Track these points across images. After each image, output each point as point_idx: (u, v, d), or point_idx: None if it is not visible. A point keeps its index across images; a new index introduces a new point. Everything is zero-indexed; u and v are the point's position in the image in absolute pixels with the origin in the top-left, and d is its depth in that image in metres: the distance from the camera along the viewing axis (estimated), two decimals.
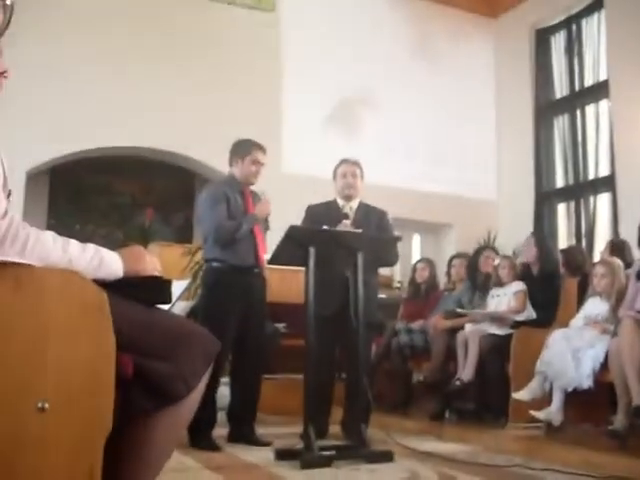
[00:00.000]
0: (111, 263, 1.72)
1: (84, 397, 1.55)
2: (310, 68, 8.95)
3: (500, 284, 5.58)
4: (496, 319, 5.34)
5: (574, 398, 4.53)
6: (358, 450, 4.00)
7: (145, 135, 8.14)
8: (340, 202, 4.93)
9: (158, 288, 1.80)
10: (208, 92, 8.34)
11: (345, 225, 4.64)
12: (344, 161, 5.02)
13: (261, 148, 4.71)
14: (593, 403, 4.69)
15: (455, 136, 9.76)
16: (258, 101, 8.53)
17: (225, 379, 4.80)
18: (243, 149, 4.69)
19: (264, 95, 8.66)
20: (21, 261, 1.54)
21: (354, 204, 4.93)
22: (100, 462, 1.56)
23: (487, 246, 6.24)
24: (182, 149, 8.46)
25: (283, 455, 3.94)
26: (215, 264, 4.58)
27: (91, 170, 9.76)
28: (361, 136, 8.89)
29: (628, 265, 4.99)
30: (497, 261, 5.77)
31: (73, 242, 1.67)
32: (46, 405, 1.50)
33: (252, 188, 4.76)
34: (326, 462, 3.76)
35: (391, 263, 5.05)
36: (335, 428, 4.81)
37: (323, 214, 4.81)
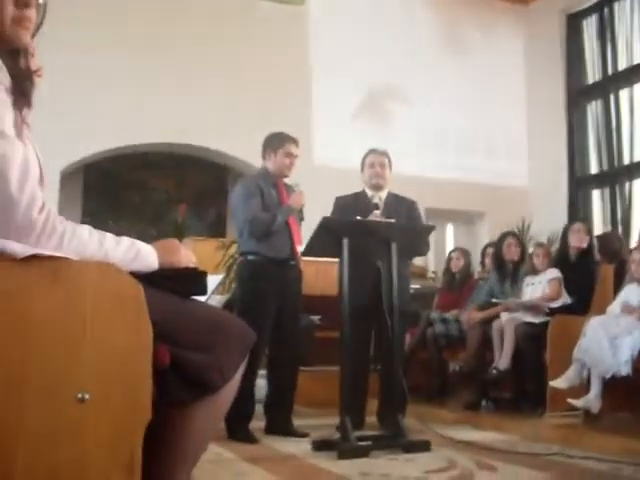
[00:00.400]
0: (146, 255, 1.74)
1: (122, 387, 1.56)
2: (340, 61, 8.95)
3: (535, 272, 5.54)
4: (531, 308, 5.30)
5: (612, 385, 4.48)
6: (395, 440, 3.99)
7: (177, 131, 8.20)
8: (369, 192, 4.90)
9: (193, 279, 1.81)
10: (239, 87, 8.39)
11: (376, 215, 4.60)
12: (372, 151, 4.99)
13: (294, 141, 4.71)
14: (631, 390, 4.64)
15: (486, 124, 9.71)
16: (289, 94, 8.56)
17: (262, 371, 4.82)
18: (276, 142, 4.69)
19: (295, 88, 8.68)
20: (58, 254, 1.56)
21: (383, 194, 4.89)
22: (140, 452, 1.58)
23: (508, 233, 6.11)
24: (214, 144, 8.52)
25: (320, 446, 3.95)
26: (250, 257, 4.59)
27: (124, 167, 9.86)
28: (392, 127, 8.88)
29: None
30: (531, 249, 5.72)
31: (109, 235, 1.69)
32: (86, 396, 1.51)
33: (285, 181, 4.76)
34: (363, 452, 3.76)
35: (423, 253, 5.01)
36: (371, 419, 4.81)
37: (352, 205, 4.79)
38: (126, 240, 1.72)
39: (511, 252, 5.89)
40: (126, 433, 1.57)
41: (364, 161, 4.98)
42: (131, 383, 1.58)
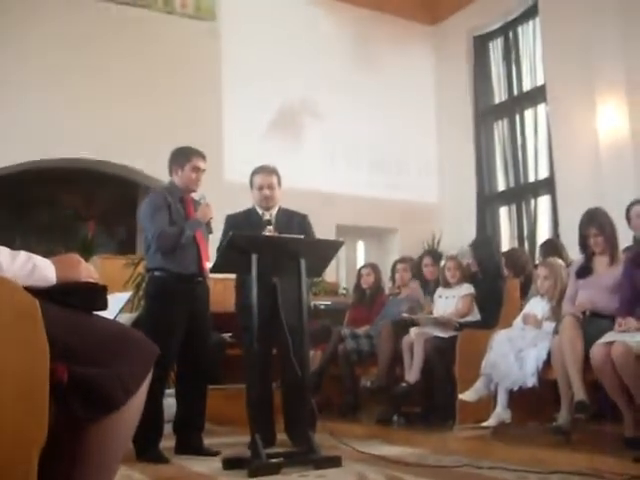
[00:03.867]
0: (44, 270, 1.69)
1: (16, 407, 1.50)
2: (251, 76, 8.95)
3: (447, 284, 5.61)
4: (441, 323, 5.37)
5: (519, 397, 4.57)
6: (306, 456, 3.98)
7: (86, 146, 8.04)
8: (259, 210, 4.88)
9: (93, 294, 1.77)
10: (148, 101, 8.29)
11: (269, 231, 4.60)
12: (260, 169, 4.91)
13: (201, 155, 4.68)
14: (538, 401, 4.74)
15: (397, 142, 9.85)
16: (199, 110, 8.51)
17: (170, 390, 4.74)
18: (182, 157, 4.66)
19: (205, 103, 8.64)
20: None
21: (274, 211, 4.86)
22: (34, 472, 1.52)
23: (427, 252, 6.27)
24: (123, 159, 8.39)
25: (231, 464, 3.91)
26: (157, 273, 4.53)
27: (32, 182, 9.60)
28: (304, 143, 8.91)
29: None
30: (442, 261, 5.81)
31: (3, 250, 1.64)
32: None
33: (192, 195, 4.72)
34: (274, 469, 3.73)
35: (320, 272, 4.97)
36: (283, 436, 4.79)
37: (244, 222, 4.77)
38: (23, 254, 1.67)
39: (428, 272, 6.05)
40: (20, 455, 1.50)
41: (252, 180, 4.91)
42: (26, 401, 1.51)
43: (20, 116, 7.62)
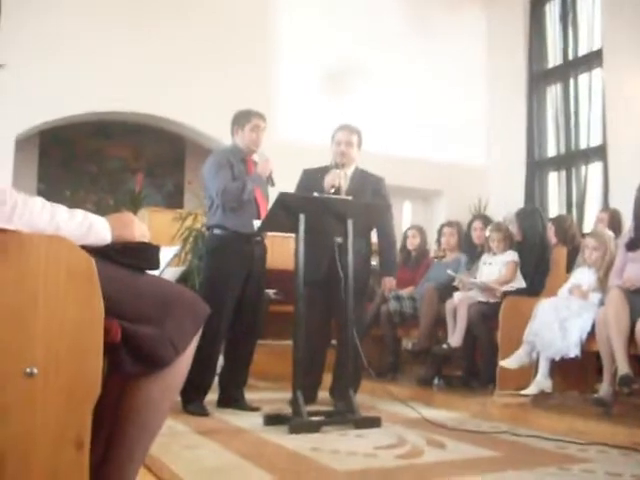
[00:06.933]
0: (99, 229, 1.73)
1: (72, 362, 1.55)
2: (302, 36, 8.88)
3: (493, 251, 5.59)
4: (486, 289, 5.36)
5: (561, 366, 4.57)
6: (346, 416, 4.04)
7: (136, 100, 8.07)
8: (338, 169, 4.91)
9: (146, 254, 1.80)
10: (200, 59, 8.28)
11: (334, 173, 4.68)
12: (341, 128, 4.97)
13: (260, 115, 4.73)
14: (580, 371, 4.74)
15: (447, 104, 9.70)
16: (250, 68, 8.48)
17: None
18: (243, 118, 4.71)
19: (256, 63, 8.61)
20: (8, 227, 1.54)
21: (349, 170, 4.91)
22: (89, 427, 1.57)
23: (477, 216, 6.24)
24: (173, 115, 8.41)
25: (272, 420, 3.97)
26: (217, 231, 4.59)
27: (81, 135, 9.74)
28: (352, 104, 8.83)
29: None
30: (487, 232, 5.77)
31: (61, 208, 1.67)
32: (34, 370, 1.50)
33: (253, 157, 4.76)
34: (314, 427, 3.80)
35: (387, 231, 5.01)
36: (325, 394, 4.85)
37: (318, 179, 4.80)
38: (79, 213, 1.70)
39: (477, 236, 6.03)
40: (75, 408, 1.56)
41: (333, 137, 4.97)
42: (81, 358, 1.57)
43: (71, 68, 7.67)
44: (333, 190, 4.64)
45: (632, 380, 3.91)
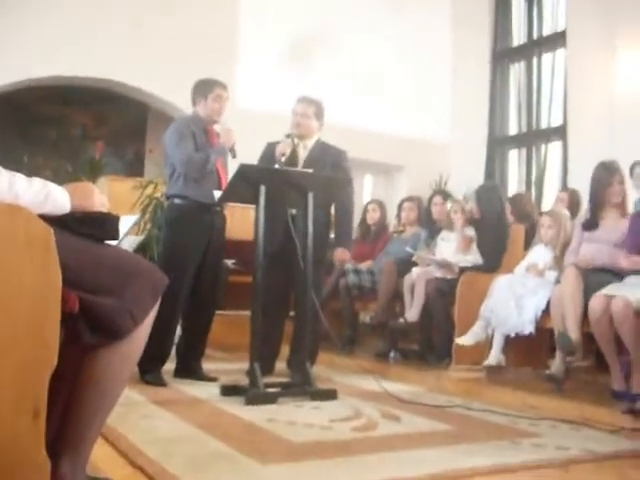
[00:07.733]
0: (58, 198, 1.71)
1: (29, 332, 1.54)
2: (267, 4, 8.77)
3: (451, 228, 5.64)
4: (444, 266, 5.40)
5: (515, 342, 4.65)
6: (303, 388, 4.06)
7: (98, 65, 7.93)
8: (296, 140, 4.90)
9: (106, 224, 1.80)
10: (163, 26, 8.14)
11: (284, 142, 4.68)
12: (299, 100, 4.95)
13: (223, 86, 4.68)
14: (533, 347, 4.82)
15: (411, 79, 9.69)
16: (213, 36, 8.37)
17: None
18: (205, 87, 4.66)
19: (219, 30, 8.49)
20: None
21: (309, 143, 4.91)
22: (45, 397, 1.57)
23: (437, 191, 6.29)
24: (135, 81, 8.28)
25: (228, 391, 3.99)
26: (177, 200, 4.56)
27: (41, 100, 9.54)
28: (316, 75, 8.77)
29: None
30: (449, 205, 5.83)
31: (19, 176, 1.66)
32: None
33: (215, 127, 4.72)
34: (271, 399, 3.82)
35: (346, 204, 5.01)
36: (282, 366, 4.87)
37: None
38: (38, 181, 1.69)
39: (437, 211, 6.10)
40: (32, 378, 1.55)
41: (293, 108, 4.95)
42: (38, 327, 1.56)
43: (30, 30, 7.49)
44: (283, 159, 4.63)
45: (572, 346, 3.98)
